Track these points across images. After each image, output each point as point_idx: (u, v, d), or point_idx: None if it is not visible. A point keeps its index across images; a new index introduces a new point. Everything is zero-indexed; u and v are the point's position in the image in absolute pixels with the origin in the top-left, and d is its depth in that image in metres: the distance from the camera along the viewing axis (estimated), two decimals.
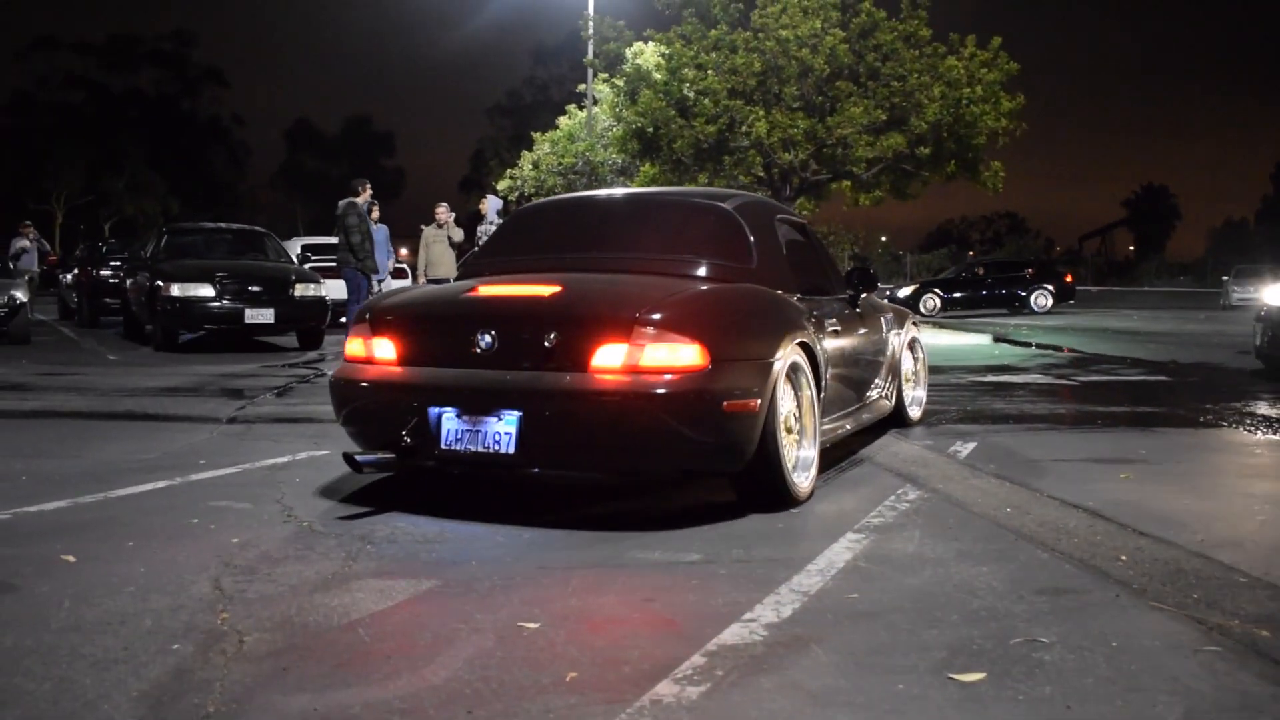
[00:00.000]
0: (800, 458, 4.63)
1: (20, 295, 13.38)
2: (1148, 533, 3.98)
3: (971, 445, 6.08)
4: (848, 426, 5.58)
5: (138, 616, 3.01)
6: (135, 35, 63.50)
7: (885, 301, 7.24)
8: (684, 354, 4.00)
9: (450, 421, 4.24)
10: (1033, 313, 26.90)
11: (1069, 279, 30.03)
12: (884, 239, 69.36)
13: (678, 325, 4.06)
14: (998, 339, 17.14)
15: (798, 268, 5.35)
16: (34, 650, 2.73)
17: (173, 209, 57.06)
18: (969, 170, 21.59)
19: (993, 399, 8.62)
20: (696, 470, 4.54)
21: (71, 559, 3.59)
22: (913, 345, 7.16)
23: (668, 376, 3.97)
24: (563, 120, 26.55)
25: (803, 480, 4.56)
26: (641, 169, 22.83)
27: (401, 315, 4.62)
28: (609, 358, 4.01)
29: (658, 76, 21.31)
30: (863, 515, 4.29)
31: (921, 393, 7.30)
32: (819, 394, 4.82)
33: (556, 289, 4.36)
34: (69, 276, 21.55)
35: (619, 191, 5.62)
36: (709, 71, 20.54)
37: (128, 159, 57.46)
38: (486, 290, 4.59)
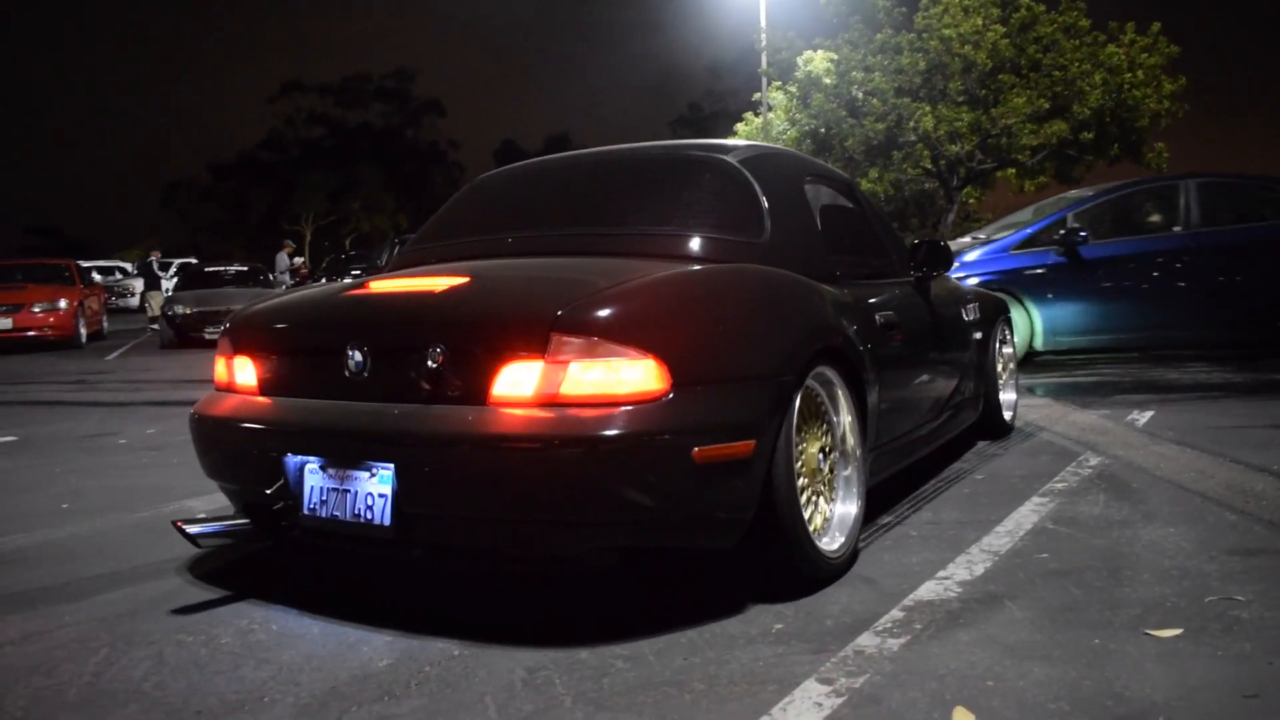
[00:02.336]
0: (834, 515, 3.03)
1: None
2: None
3: (1149, 414, 5.73)
4: (915, 452, 3.95)
5: None
6: (364, 75, 66.37)
7: (969, 285, 5.54)
8: (629, 375, 2.42)
9: (314, 477, 2.75)
10: None
11: None
12: None
13: (619, 331, 2.45)
14: None
15: (837, 242, 3.67)
16: None
17: (402, 224, 59.52)
18: (1132, 153, 20.45)
19: (1166, 369, 8.10)
20: (663, 550, 2.72)
21: None
22: (1002, 339, 5.36)
23: (603, 411, 2.39)
24: (740, 127, 26.41)
25: (835, 544, 2.93)
26: None
27: (264, 326, 3.11)
28: (515, 383, 2.48)
29: (827, 81, 20.98)
30: (1046, 480, 4.08)
31: (1013, 395, 5.53)
32: (863, 418, 3.18)
33: (455, 283, 2.82)
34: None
35: (595, 151, 3.95)
36: (876, 73, 20.07)
37: (362, 183, 60.27)
38: (362, 290, 3.05)
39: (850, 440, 3.13)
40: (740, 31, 33.80)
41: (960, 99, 19.65)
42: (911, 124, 19.62)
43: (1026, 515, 3.54)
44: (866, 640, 2.42)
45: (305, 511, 2.76)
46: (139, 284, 27.89)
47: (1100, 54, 19.34)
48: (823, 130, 20.79)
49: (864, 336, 3.27)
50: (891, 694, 2.11)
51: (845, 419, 3.12)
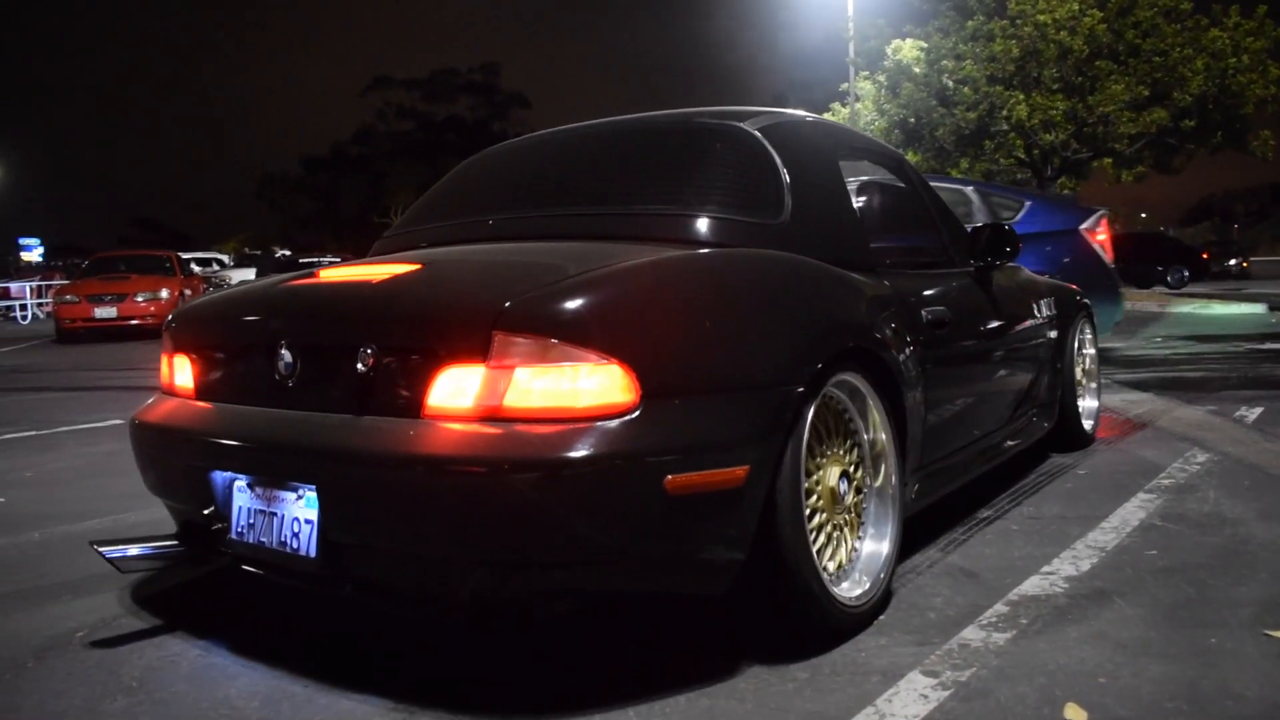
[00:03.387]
0: (860, 553, 2.56)
1: None
2: None
3: (1258, 410, 5.52)
4: (972, 470, 3.41)
5: None
6: (452, 69, 67.16)
7: (1044, 277, 4.74)
8: (587, 384, 2.00)
9: (241, 496, 2.42)
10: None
11: (1204, 256, 28.13)
12: (1143, 215, 64.57)
13: (577, 330, 2.02)
14: (1274, 308, 15.63)
15: (880, 225, 3.28)
16: None
17: None
18: (1236, 141, 19.75)
19: (1274, 366, 7.82)
20: (630, 596, 2.33)
21: None
22: (1082, 338, 4.72)
23: (554, 428, 1.99)
24: (827, 117, 26.19)
25: (858, 590, 2.47)
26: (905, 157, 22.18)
27: (201, 321, 2.77)
28: (454, 392, 2.06)
29: (917, 69, 20.67)
30: (1152, 476, 3.96)
31: (1094, 402, 4.86)
32: (901, 435, 2.70)
33: (397, 273, 2.43)
34: None
35: (602, 122, 3.45)
36: (967, 61, 19.70)
37: None
38: (301, 280, 2.67)
39: (883, 462, 2.64)
40: (825, 20, 33.44)
41: (1055, 86, 19.20)
42: (1004, 113, 19.23)
43: (1133, 511, 3.44)
44: (971, 634, 2.37)
45: (233, 535, 2.43)
46: (235, 275, 28.67)
47: (1203, 38, 18.76)
48: (912, 120, 20.49)
49: (906, 336, 2.80)
50: (1000, 688, 2.07)
51: (878, 435, 2.63)
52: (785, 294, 2.51)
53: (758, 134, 2.91)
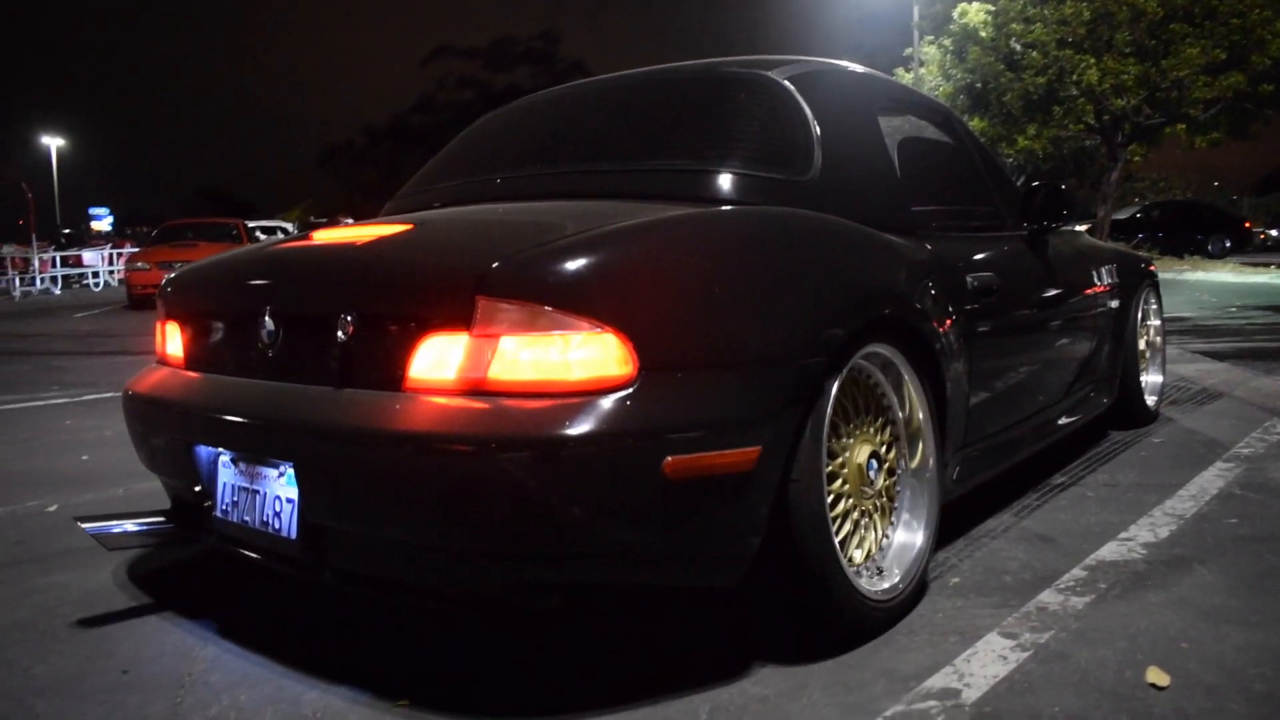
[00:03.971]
0: (891, 543, 2.37)
1: None
2: None
3: None
4: (1022, 450, 3.18)
5: None
6: (512, 38, 67.33)
7: (1103, 243, 4.44)
8: (579, 355, 1.83)
9: (226, 472, 2.30)
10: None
11: (1246, 225, 26.56)
12: (1215, 184, 62.87)
13: (568, 295, 1.84)
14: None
15: (923, 185, 2.96)
16: None
17: None
18: None
19: None
20: (626, 590, 2.02)
21: None
22: (1146, 309, 4.46)
23: (541, 403, 1.81)
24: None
25: (887, 583, 2.27)
26: (970, 123, 21.82)
27: (191, 287, 2.64)
28: (436, 363, 1.90)
29: (984, 34, 20.29)
30: (1231, 445, 3.88)
31: (1159, 377, 4.60)
32: (941, 412, 2.51)
33: (385, 235, 2.26)
34: None
35: (624, 74, 3.21)
36: (1037, 24, 19.28)
37: None
38: (291, 244, 2.56)
39: (920, 441, 2.44)
40: None
41: (1127, 50, 18.74)
42: (1074, 77, 18.84)
43: (1211, 480, 3.38)
44: (1049, 597, 2.36)
45: (218, 514, 2.31)
46: None
47: None
48: (979, 85, 20.17)
49: (947, 305, 2.58)
50: (1079, 651, 2.06)
51: (914, 413, 2.42)
52: (807, 257, 2.26)
53: (787, 83, 2.67)
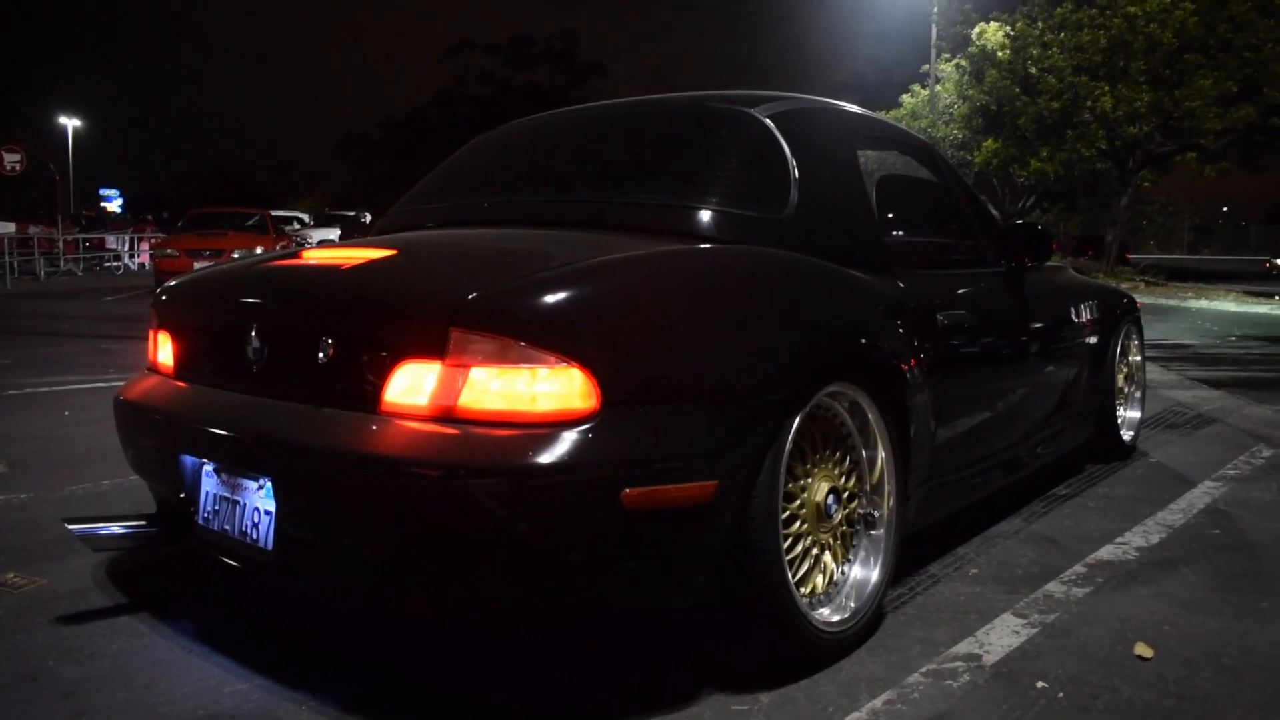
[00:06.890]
0: (847, 577, 2.45)
1: None
2: None
3: None
4: (992, 483, 3.28)
5: None
6: (531, 36, 67.94)
7: (1086, 278, 4.56)
8: (544, 387, 1.92)
9: (209, 481, 2.40)
10: None
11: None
12: (1225, 209, 63.21)
13: (536, 329, 1.94)
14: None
15: (901, 221, 3.06)
16: None
17: None
18: None
19: None
20: (589, 607, 2.15)
21: None
22: (1127, 344, 4.52)
23: (506, 432, 1.91)
24: (905, 98, 26.26)
25: (840, 615, 2.36)
26: (984, 144, 22.26)
27: (183, 298, 2.74)
28: (410, 389, 2.00)
29: (1001, 55, 20.72)
30: (1218, 467, 4.32)
31: (1136, 412, 4.62)
32: (903, 449, 2.55)
33: (369, 258, 2.36)
34: None
35: (614, 103, 3.39)
36: (1054, 49, 19.73)
37: None
38: (280, 262, 2.67)
39: (882, 480, 2.50)
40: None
41: (1142, 79, 19.17)
42: (1088, 103, 19.27)
43: (1199, 496, 3.82)
44: (1054, 587, 2.80)
45: (200, 521, 2.40)
46: (315, 235, 29.50)
47: None
48: (994, 107, 20.58)
49: (915, 343, 2.65)
50: (1079, 629, 2.49)
51: (876, 451, 2.49)
52: (773, 296, 2.35)
53: (767, 121, 2.77)
